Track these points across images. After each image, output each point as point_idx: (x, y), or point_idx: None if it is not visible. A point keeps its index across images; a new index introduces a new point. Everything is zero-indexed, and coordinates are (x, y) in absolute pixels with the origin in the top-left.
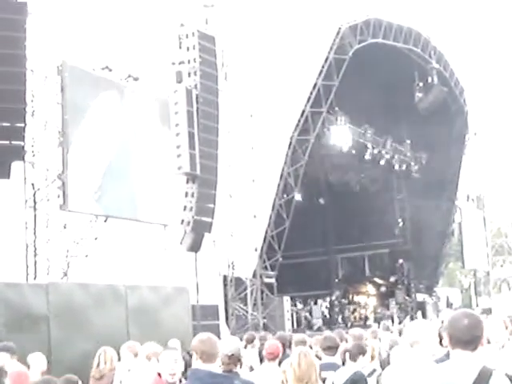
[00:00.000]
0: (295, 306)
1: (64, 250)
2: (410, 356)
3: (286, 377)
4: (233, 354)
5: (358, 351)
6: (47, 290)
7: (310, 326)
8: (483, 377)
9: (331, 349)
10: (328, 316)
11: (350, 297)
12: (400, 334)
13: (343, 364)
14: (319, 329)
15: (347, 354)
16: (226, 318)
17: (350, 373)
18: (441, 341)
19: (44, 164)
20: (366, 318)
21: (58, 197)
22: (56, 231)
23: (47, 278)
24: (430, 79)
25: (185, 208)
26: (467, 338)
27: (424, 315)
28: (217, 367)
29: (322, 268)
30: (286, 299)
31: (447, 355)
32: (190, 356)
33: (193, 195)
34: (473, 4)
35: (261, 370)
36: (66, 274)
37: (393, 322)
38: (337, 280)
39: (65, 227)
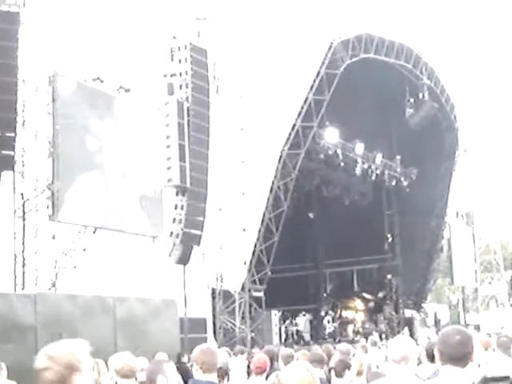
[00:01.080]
0: (284, 321)
1: (52, 260)
2: (395, 371)
3: None
4: (221, 367)
5: (343, 367)
6: (35, 300)
7: (297, 341)
8: None
9: (318, 363)
10: (316, 330)
11: (338, 312)
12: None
13: (329, 382)
14: (307, 343)
15: (332, 372)
16: (214, 332)
17: None
18: (430, 357)
19: (34, 174)
20: (354, 333)
21: (47, 207)
22: (45, 242)
23: (35, 289)
24: (420, 95)
25: (174, 220)
26: (459, 354)
27: (412, 331)
28: (215, 378)
29: (311, 282)
30: (274, 313)
31: (436, 373)
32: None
33: (182, 208)
34: (464, 21)
35: (248, 383)
36: (54, 285)
37: (381, 338)
38: (325, 294)
39: (53, 238)
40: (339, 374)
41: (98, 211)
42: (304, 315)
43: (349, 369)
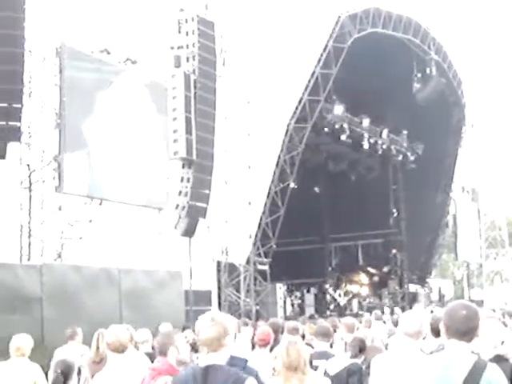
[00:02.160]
0: (291, 293)
1: (58, 231)
2: (404, 345)
3: (276, 364)
4: None
5: (360, 348)
6: (41, 271)
7: (302, 314)
8: (478, 368)
9: (324, 336)
10: (320, 304)
11: (343, 285)
12: (395, 324)
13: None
14: (311, 317)
15: (349, 348)
16: (219, 304)
17: (347, 363)
18: (435, 332)
19: (40, 145)
20: (359, 307)
21: (54, 178)
22: (51, 213)
23: (41, 260)
24: (428, 70)
25: (180, 193)
26: (464, 328)
27: (416, 306)
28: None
29: (316, 256)
30: (279, 286)
31: (440, 348)
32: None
33: (188, 180)
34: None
35: (252, 356)
36: (59, 256)
37: (383, 312)
38: (330, 268)
39: (60, 209)
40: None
41: (105, 183)
42: (308, 291)
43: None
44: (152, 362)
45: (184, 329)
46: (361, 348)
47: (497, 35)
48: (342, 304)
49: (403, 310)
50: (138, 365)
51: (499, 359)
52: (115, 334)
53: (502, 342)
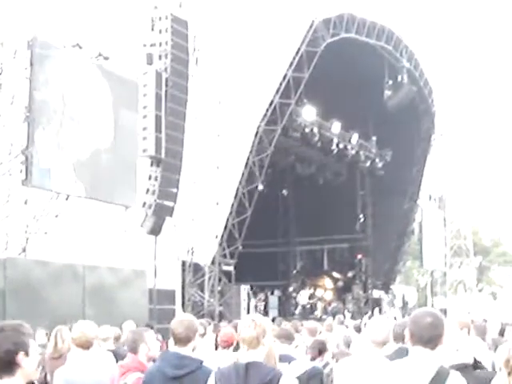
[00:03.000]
0: (255, 295)
1: (24, 225)
2: (369, 352)
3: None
4: None
5: (320, 351)
6: (5, 265)
7: (265, 316)
8: (440, 376)
9: (286, 339)
10: (284, 307)
11: (307, 289)
12: (358, 329)
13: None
14: (274, 319)
15: (309, 351)
16: (183, 304)
17: (307, 367)
18: (397, 338)
19: (8, 138)
20: (323, 311)
21: (21, 172)
22: (16, 207)
23: (5, 254)
24: (399, 77)
25: (147, 191)
26: (429, 336)
27: (379, 312)
28: (189, 350)
29: (281, 259)
30: (244, 288)
31: (397, 353)
32: None
33: (156, 179)
34: (446, 6)
35: (215, 356)
36: (24, 250)
37: (344, 316)
38: (295, 272)
39: (25, 203)
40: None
41: (72, 178)
42: (272, 293)
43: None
44: (116, 359)
45: (148, 327)
46: (320, 350)
47: (468, 45)
48: (305, 308)
49: (369, 316)
50: (104, 361)
51: (462, 367)
52: (81, 330)
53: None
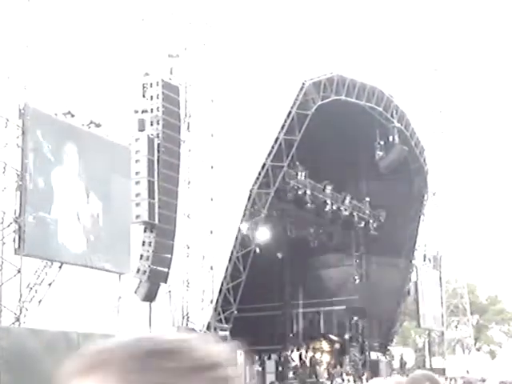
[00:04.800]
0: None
1: (17, 294)
2: None
3: None
4: None
5: None
6: None
7: (262, 381)
8: None
9: None
10: (281, 371)
11: (304, 352)
12: None
13: None
14: None
15: None
16: None
17: None
18: None
19: (0, 207)
20: (320, 375)
21: (14, 240)
22: (9, 275)
23: None
24: (391, 138)
25: (141, 257)
26: None
27: (377, 374)
28: None
29: (277, 323)
30: (240, 353)
31: None
32: None
33: (150, 244)
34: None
35: None
36: (18, 320)
37: (342, 379)
38: (291, 335)
39: (19, 271)
40: None
41: (65, 246)
42: (269, 358)
43: None
44: None
45: None
46: None
47: (458, 103)
48: (302, 372)
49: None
50: None
51: None
52: None
53: None
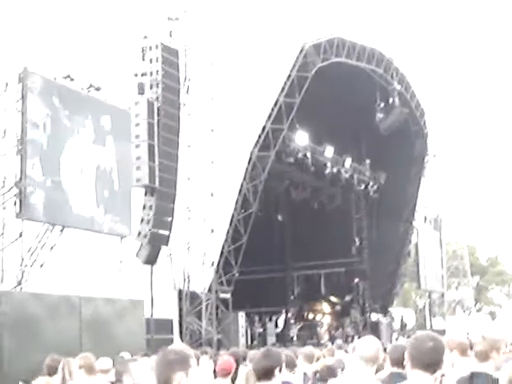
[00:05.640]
0: (253, 323)
1: (19, 258)
2: (359, 371)
3: None
4: None
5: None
6: (0, 299)
7: (264, 343)
8: None
9: (287, 366)
10: (282, 333)
11: (305, 314)
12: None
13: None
14: (273, 345)
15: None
16: (180, 333)
17: None
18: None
19: (1, 171)
20: (329, 336)
21: (15, 204)
22: (11, 239)
23: (0, 287)
24: (391, 100)
25: (142, 220)
26: (430, 360)
27: (378, 335)
28: None
29: (278, 285)
30: (241, 315)
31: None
32: None
33: (151, 208)
34: (436, 28)
35: None
36: (19, 284)
37: (345, 340)
38: (292, 297)
39: (20, 235)
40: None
41: (66, 210)
42: (270, 320)
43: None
44: None
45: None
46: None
47: (460, 66)
48: (303, 333)
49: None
50: None
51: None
52: (85, 356)
53: (442, 375)
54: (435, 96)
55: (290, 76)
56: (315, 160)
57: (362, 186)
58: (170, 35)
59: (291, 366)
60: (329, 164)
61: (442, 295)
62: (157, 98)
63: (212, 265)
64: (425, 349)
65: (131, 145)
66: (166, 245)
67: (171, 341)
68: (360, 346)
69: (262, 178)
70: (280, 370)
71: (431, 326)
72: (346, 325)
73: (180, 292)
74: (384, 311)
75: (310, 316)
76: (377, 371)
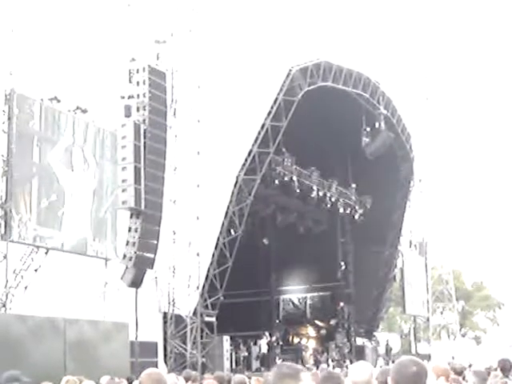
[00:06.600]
0: (238, 346)
1: (3, 280)
2: None
3: None
4: None
5: None
6: None
7: (248, 367)
8: None
9: None
10: (267, 357)
11: (290, 338)
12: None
13: None
14: (258, 369)
15: None
16: (165, 356)
17: None
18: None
19: None
20: (314, 361)
21: (0, 226)
22: None
23: None
24: (377, 124)
25: (127, 243)
26: None
27: (364, 359)
28: None
29: (263, 309)
30: (226, 339)
31: None
32: None
33: (136, 230)
34: (422, 54)
35: None
36: (4, 305)
37: (328, 365)
38: (277, 321)
39: (5, 257)
40: None
41: (52, 232)
42: (255, 344)
43: None
44: None
45: (129, 381)
46: None
47: (446, 92)
48: (287, 357)
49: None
50: None
51: None
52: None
53: None
54: (421, 120)
55: (276, 100)
56: (301, 184)
57: (348, 210)
58: (158, 58)
59: None
60: (315, 187)
61: (427, 320)
62: (143, 120)
63: (197, 288)
64: (408, 373)
65: (117, 167)
66: (151, 268)
67: (155, 364)
68: (353, 370)
69: (247, 201)
70: None
71: (416, 351)
72: (331, 349)
73: (165, 315)
74: (369, 336)
75: (295, 340)
76: None
